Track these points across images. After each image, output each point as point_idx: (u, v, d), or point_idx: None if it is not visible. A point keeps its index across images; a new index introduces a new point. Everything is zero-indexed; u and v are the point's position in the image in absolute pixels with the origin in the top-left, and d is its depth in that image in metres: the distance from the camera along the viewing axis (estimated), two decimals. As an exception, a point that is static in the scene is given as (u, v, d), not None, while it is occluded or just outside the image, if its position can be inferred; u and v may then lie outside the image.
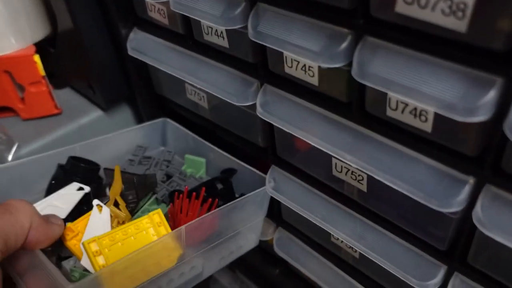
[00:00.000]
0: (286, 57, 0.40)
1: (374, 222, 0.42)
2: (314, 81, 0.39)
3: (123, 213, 0.48)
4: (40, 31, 0.62)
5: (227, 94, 0.46)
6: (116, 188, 0.50)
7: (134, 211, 0.51)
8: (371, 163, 0.36)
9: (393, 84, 0.31)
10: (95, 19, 0.57)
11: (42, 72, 0.61)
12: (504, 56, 0.27)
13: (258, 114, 0.44)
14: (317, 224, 0.46)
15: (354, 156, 0.37)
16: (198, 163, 0.59)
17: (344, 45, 0.34)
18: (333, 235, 0.49)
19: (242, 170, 0.54)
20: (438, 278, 0.38)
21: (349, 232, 0.44)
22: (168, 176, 0.58)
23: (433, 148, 0.33)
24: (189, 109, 0.59)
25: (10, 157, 0.58)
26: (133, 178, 0.51)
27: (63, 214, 0.47)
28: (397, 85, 0.31)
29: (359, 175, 0.41)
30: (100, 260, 0.40)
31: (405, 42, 0.31)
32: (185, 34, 0.50)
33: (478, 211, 0.31)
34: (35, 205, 0.46)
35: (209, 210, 0.47)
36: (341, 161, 0.41)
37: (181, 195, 0.47)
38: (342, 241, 0.48)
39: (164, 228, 0.44)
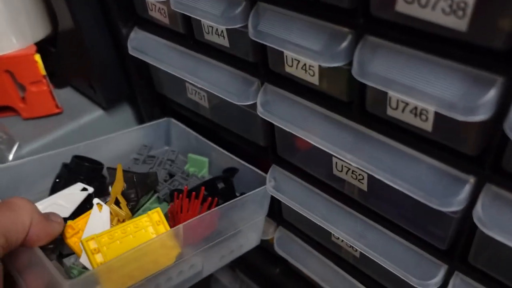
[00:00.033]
0: (286, 56, 0.40)
1: (375, 221, 0.42)
2: (315, 80, 0.39)
3: (123, 211, 0.48)
4: (40, 31, 0.62)
5: (227, 94, 0.46)
6: (117, 187, 0.50)
7: (134, 210, 0.51)
8: (372, 162, 0.36)
9: (394, 83, 0.31)
10: (96, 19, 0.57)
11: (43, 71, 0.61)
12: (504, 55, 0.27)
13: (258, 113, 0.44)
14: (318, 223, 0.46)
15: (355, 155, 0.37)
16: (201, 162, 0.59)
17: (344, 44, 0.34)
18: (333, 234, 0.49)
19: (243, 170, 0.54)
20: (439, 278, 0.38)
21: (349, 231, 0.44)
22: (171, 175, 0.58)
23: (433, 147, 0.33)
24: (190, 108, 0.59)
25: (11, 157, 0.58)
26: (132, 177, 0.51)
27: (66, 213, 0.48)
28: (397, 84, 0.31)
29: (359, 175, 0.41)
30: (98, 258, 0.41)
31: (405, 41, 0.31)
32: (185, 33, 0.50)
33: (478, 210, 0.31)
34: (40, 203, 0.47)
35: (209, 209, 0.47)
36: (341, 160, 0.41)
37: (180, 195, 0.47)
38: (342, 240, 0.48)
39: (163, 227, 0.44)
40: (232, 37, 0.45)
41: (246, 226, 0.52)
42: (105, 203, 0.48)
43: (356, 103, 0.37)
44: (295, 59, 0.40)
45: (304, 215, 0.47)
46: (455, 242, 0.37)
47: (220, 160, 0.57)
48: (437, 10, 0.28)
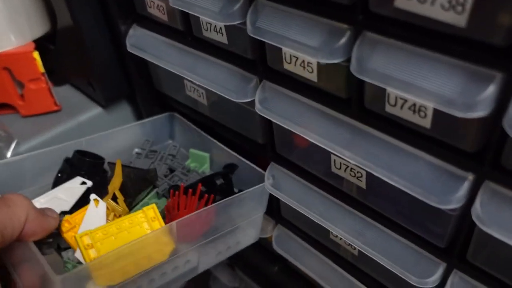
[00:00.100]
0: (285, 53, 0.40)
1: (373, 219, 0.42)
2: (313, 77, 0.39)
3: (120, 207, 0.48)
4: (39, 28, 0.62)
5: (226, 91, 0.46)
6: (115, 182, 0.50)
7: (132, 205, 0.51)
8: (370, 159, 0.36)
9: (392, 79, 0.31)
10: (95, 16, 0.57)
11: (41, 69, 0.61)
12: (504, 51, 0.26)
13: (256, 110, 0.44)
14: (316, 221, 0.46)
15: (353, 152, 0.37)
16: (202, 157, 0.59)
17: (343, 40, 0.33)
18: (332, 232, 0.48)
19: (242, 167, 0.54)
20: (437, 276, 0.38)
21: (348, 229, 0.43)
22: (172, 170, 0.58)
23: (432, 144, 0.33)
24: (189, 106, 0.59)
25: (9, 154, 0.58)
26: (132, 172, 0.51)
27: (67, 207, 0.48)
28: (396, 80, 0.31)
29: (358, 172, 0.41)
30: (92, 253, 0.41)
31: (404, 37, 0.30)
32: (184, 30, 0.50)
33: (477, 208, 0.31)
34: (41, 197, 0.48)
35: (206, 206, 0.47)
36: (340, 157, 0.40)
37: (177, 192, 0.47)
38: (341, 239, 0.48)
39: (158, 223, 0.45)
40: (231, 33, 0.45)
41: (244, 223, 0.51)
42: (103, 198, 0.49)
43: (354, 100, 0.37)
44: (294, 56, 0.39)
45: (303, 213, 0.47)
46: (454, 240, 0.37)
47: (219, 156, 0.57)
48: (436, 5, 0.27)
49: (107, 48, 0.60)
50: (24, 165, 0.52)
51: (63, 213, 0.48)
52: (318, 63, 0.38)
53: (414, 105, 0.33)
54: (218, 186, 0.52)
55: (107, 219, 0.47)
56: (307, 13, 0.35)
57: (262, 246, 0.62)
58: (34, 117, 0.64)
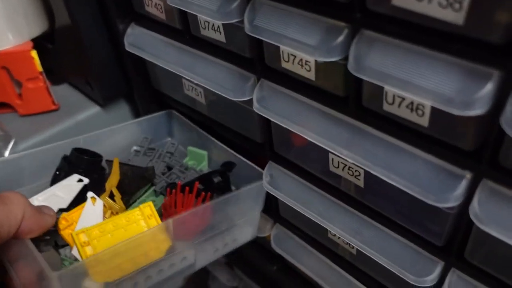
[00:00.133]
0: (282, 51, 0.40)
1: (371, 218, 0.42)
2: (311, 75, 0.39)
3: (117, 204, 0.48)
4: (37, 27, 0.62)
5: (223, 89, 0.46)
6: (112, 180, 0.50)
7: (129, 203, 0.51)
8: (368, 158, 0.36)
9: (390, 77, 0.31)
10: (93, 15, 0.57)
11: (39, 68, 0.60)
12: (501, 48, 0.26)
13: (254, 109, 0.44)
14: (314, 220, 0.46)
15: (351, 151, 0.37)
16: (200, 155, 0.59)
17: (340, 38, 0.33)
18: (330, 231, 0.48)
19: (240, 165, 0.54)
20: (435, 274, 0.38)
21: (346, 228, 0.43)
22: (170, 168, 0.58)
23: (430, 142, 0.33)
24: (187, 104, 0.59)
25: (7, 153, 0.57)
26: (130, 170, 0.51)
27: (64, 204, 0.48)
28: (393, 78, 0.31)
29: (356, 171, 0.40)
30: (88, 251, 0.41)
31: (401, 35, 0.30)
32: (182, 29, 0.50)
33: (475, 206, 0.31)
34: (39, 194, 0.48)
35: (203, 203, 0.47)
36: (338, 156, 0.40)
37: (174, 190, 0.47)
38: (339, 237, 0.48)
39: (155, 221, 0.45)
40: (229, 32, 0.45)
41: (241, 221, 0.51)
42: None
43: (352, 98, 0.37)
44: (291, 54, 0.39)
45: (301, 212, 0.47)
46: (452, 239, 0.37)
47: (217, 154, 0.57)
48: (434, 3, 0.27)
49: (105, 47, 0.60)
50: (22, 163, 0.52)
51: (61, 210, 0.48)
52: (315, 61, 0.38)
53: (412, 103, 0.33)
54: (216, 184, 0.52)
55: (104, 216, 0.47)
56: (305, 11, 0.35)
57: (260, 245, 0.62)
58: (32, 116, 0.64)
